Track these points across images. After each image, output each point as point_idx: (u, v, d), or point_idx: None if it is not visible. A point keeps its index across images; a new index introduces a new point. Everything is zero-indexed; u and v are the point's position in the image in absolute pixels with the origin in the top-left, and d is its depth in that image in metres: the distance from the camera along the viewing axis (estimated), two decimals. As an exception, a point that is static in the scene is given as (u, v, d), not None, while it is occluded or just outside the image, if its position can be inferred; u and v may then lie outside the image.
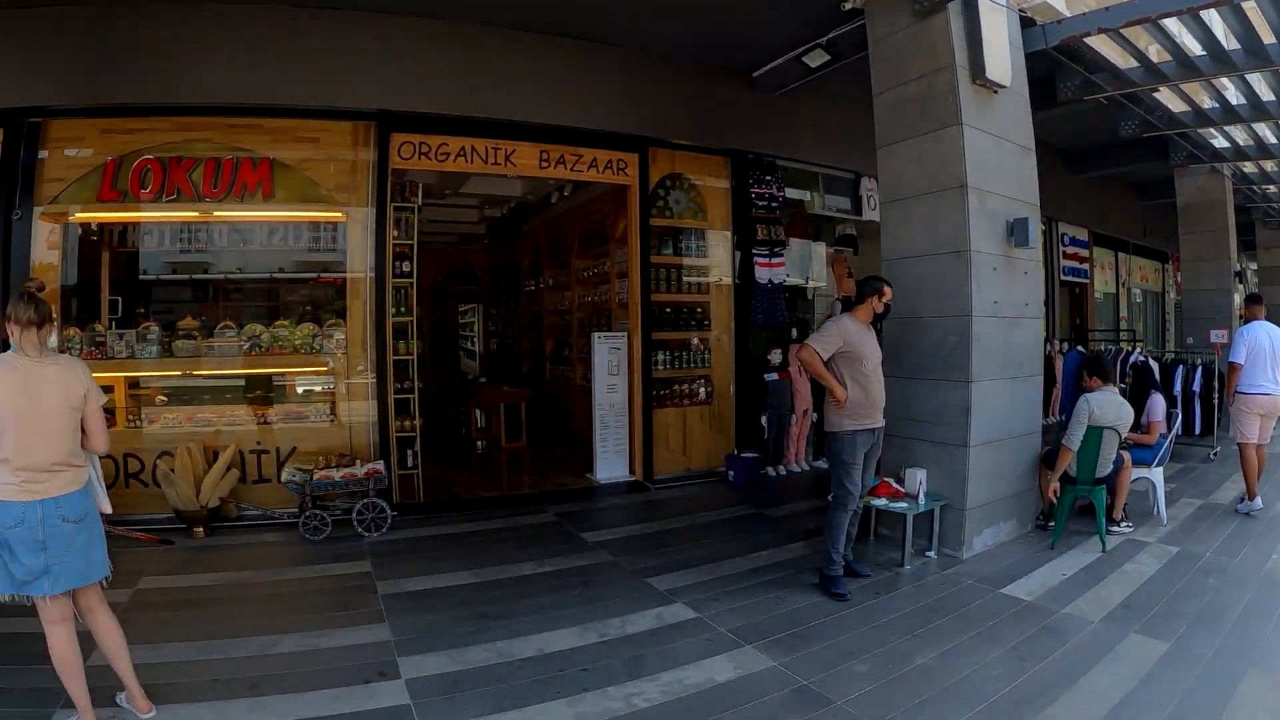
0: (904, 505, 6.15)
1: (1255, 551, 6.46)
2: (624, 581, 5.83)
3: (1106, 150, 13.68)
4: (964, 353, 6.29)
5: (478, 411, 11.73)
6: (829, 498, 5.87)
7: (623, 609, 5.21)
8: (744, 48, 9.05)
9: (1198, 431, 10.65)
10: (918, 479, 6.22)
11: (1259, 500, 7.71)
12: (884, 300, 5.74)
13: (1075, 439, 6.53)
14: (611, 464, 9.37)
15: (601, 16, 8.20)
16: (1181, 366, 10.97)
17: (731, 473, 9.31)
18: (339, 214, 7.94)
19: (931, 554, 6.37)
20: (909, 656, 4.48)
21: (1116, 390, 6.92)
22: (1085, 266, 16.18)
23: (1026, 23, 7.75)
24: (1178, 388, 10.72)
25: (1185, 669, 4.26)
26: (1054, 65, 9.04)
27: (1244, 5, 7.26)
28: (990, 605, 5.31)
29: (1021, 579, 5.82)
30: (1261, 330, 7.93)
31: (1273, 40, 7.88)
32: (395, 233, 8.06)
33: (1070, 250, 15.57)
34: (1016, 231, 6.65)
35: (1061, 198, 14.28)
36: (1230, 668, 4.28)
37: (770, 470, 9.80)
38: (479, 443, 11.58)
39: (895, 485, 6.36)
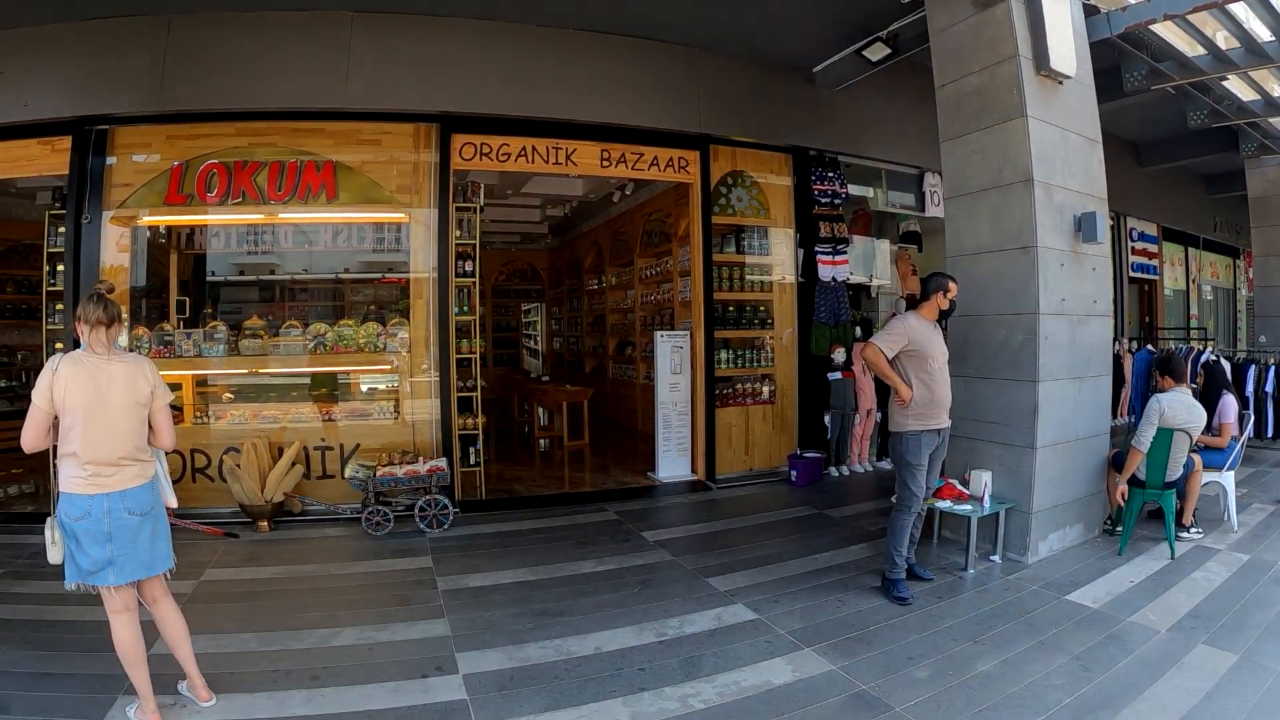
0: (968, 508, 6.05)
1: (1329, 560, 6.24)
2: (683, 581, 5.81)
3: (1174, 142, 13.40)
4: (1030, 351, 6.18)
5: (540, 410, 11.79)
6: (892, 499, 5.81)
7: (681, 609, 5.20)
8: (804, 43, 9.00)
9: (1271, 434, 10.33)
10: (983, 481, 6.12)
11: None
12: (949, 297, 5.64)
13: (1145, 440, 6.38)
14: (673, 463, 9.37)
15: (657, 13, 8.20)
16: (1254, 366, 10.64)
17: (794, 473, 9.23)
18: (401, 215, 8.07)
19: (995, 558, 6.27)
20: (970, 663, 4.42)
21: (1188, 391, 6.74)
22: (1154, 263, 15.80)
23: (1090, 10, 7.57)
24: (1250, 388, 10.41)
25: (1254, 682, 4.14)
26: (1119, 54, 8.82)
27: None
28: (1054, 612, 5.21)
29: (1087, 585, 5.71)
30: None
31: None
32: (457, 233, 8.14)
33: (1139, 246, 15.22)
34: (1084, 226, 6.50)
35: (1129, 191, 13.99)
36: None
37: (833, 470, 9.74)
38: (541, 441, 11.63)
39: (960, 487, 6.25)
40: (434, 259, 7.97)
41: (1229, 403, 7.50)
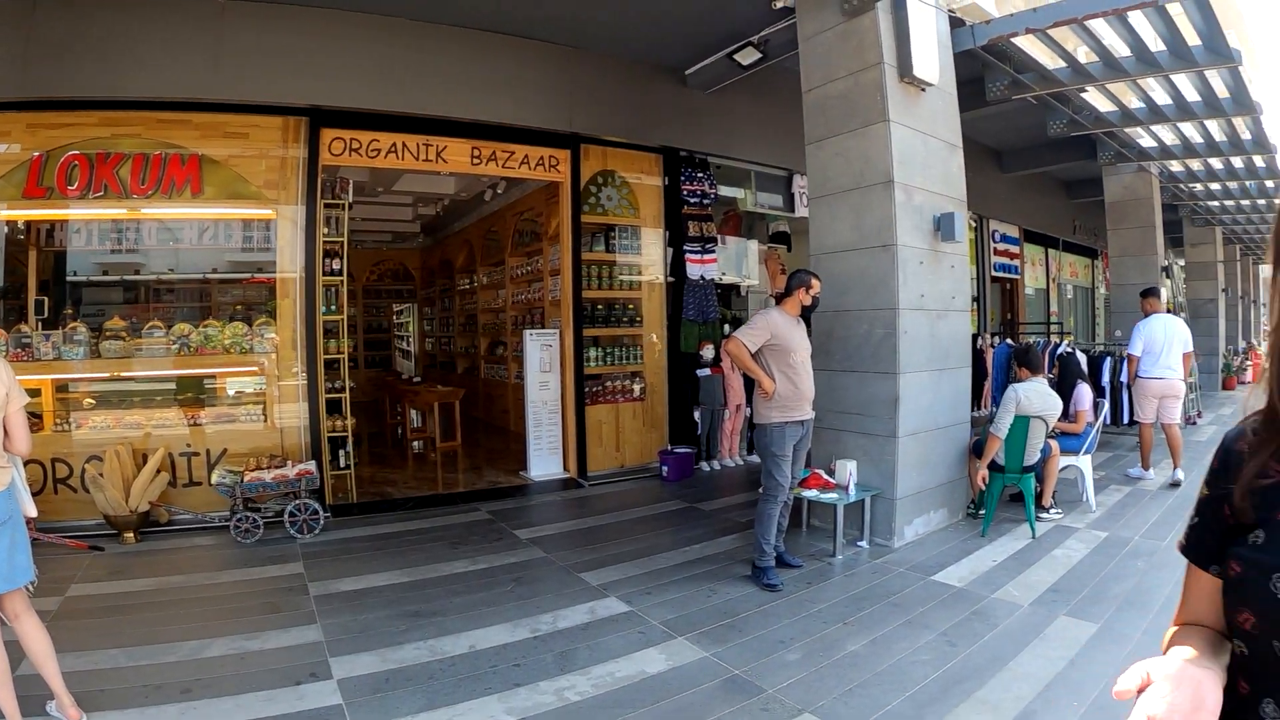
0: (834, 496, 6.23)
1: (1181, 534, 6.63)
2: (556, 577, 5.84)
3: (1036, 149, 14.00)
4: (891, 345, 6.40)
5: (412, 411, 11.67)
6: (760, 490, 5.93)
7: (555, 604, 5.22)
8: (677, 45, 9.11)
9: (1126, 420, 10.86)
10: (848, 470, 6.31)
11: (1151, 472, 8.61)
12: (811, 293, 5.81)
13: (1002, 427, 6.67)
14: (545, 461, 9.37)
15: (532, 11, 8.18)
16: (1109, 358, 11.23)
17: (665, 468, 9.35)
18: (269, 211, 7.83)
19: (863, 544, 6.48)
20: (840, 644, 4.56)
21: (1044, 381, 7.07)
22: (1016, 263, 16.52)
23: (955, 23, 7.87)
24: (1105, 379, 11.00)
25: (1114, 649, 4.37)
26: (983, 65, 9.16)
27: (1169, 8, 7.43)
28: (921, 592, 5.41)
29: (952, 566, 5.95)
30: (1157, 323, 8.69)
31: (1197, 43, 8.09)
32: (326, 230, 7.98)
33: (1001, 247, 15.90)
34: (943, 226, 6.77)
35: (992, 195, 14.59)
36: (1157, 648, 4.40)
37: (704, 465, 9.89)
38: (415, 443, 11.51)
39: (826, 477, 6.43)
40: (301, 257, 7.77)
41: (1083, 391, 7.92)
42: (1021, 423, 6.67)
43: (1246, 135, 11.78)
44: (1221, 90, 9.52)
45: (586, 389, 9.49)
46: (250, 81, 7.44)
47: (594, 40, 8.95)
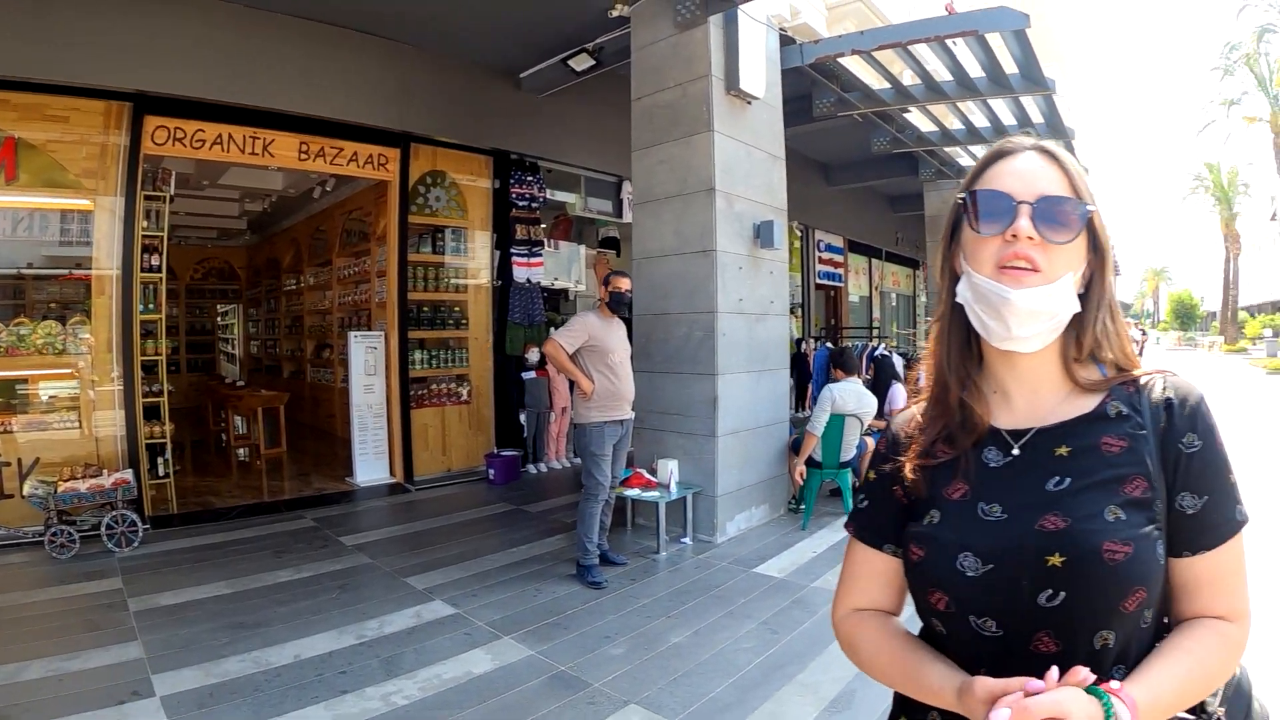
0: (656, 495, 6.41)
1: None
2: (382, 583, 5.78)
3: (862, 164, 14.55)
4: (710, 347, 6.63)
5: (236, 417, 11.21)
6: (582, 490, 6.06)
7: (380, 610, 5.18)
8: (513, 48, 9.11)
9: None
10: (669, 469, 6.50)
11: None
12: (609, 289, 5.94)
13: (817, 425, 6.99)
14: (371, 466, 9.21)
15: (369, 6, 8.03)
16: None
17: (491, 471, 9.33)
18: (86, 202, 7.34)
19: (686, 540, 6.66)
20: (664, 636, 4.69)
21: (859, 382, 7.45)
22: (840, 271, 17.22)
23: (786, 41, 8.18)
24: (922, 380, 11.49)
25: None
26: (812, 82, 9.51)
27: (988, 37, 7.90)
28: (743, 584, 5.62)
29: (773, 559, 6.20)
30: None
31: (1014, 70, 8.60)
32: (145, 224, 7.58)
33: (826, 256, 16.53)
34: (763, 233, 7.06)
35: (819, 207, 15.17)
36: None
37: (531, 468, 9.95)
38: (239, 450, 11.06)
39: (648, 476, 6.62)
40: (119, 252, 7.35)
41: (898, 391, 8.45)
42: (837, 421, 6.98)
43: (1062, 159, 12.60)
44: (1037, 116, 10.18)
45: (412, 392, 9.38)
46: (73, 62, 6.92)
47: (429, 39, 8.85)
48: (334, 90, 8.34)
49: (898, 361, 10.46)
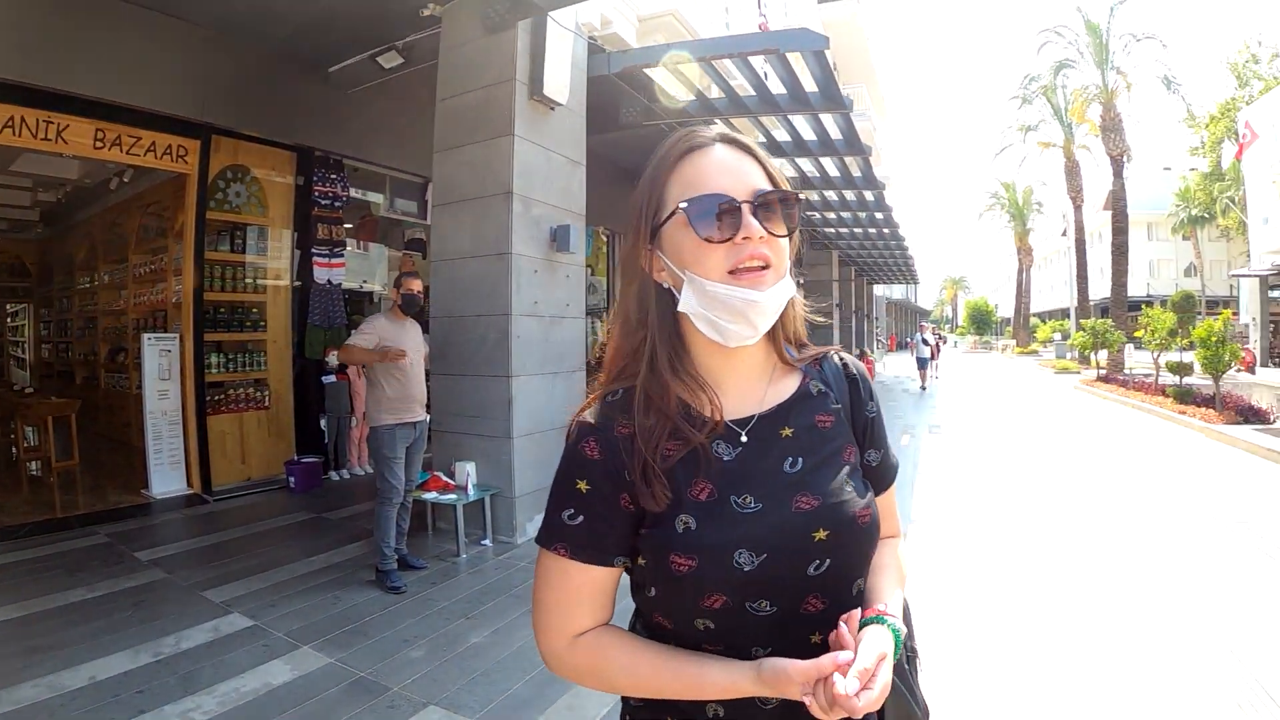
0: (453, 497, 6.41)
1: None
2: (179, 598, 5.54)
3: None
4: (504, 349, 6.66)
5: (26, 427, 10.47)
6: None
7: (177, 626, 4.98)
8: (322, 40, 8.83)
9: None
10: (466, 471, 6.51)
11: None
12: (401, 291, 5.96)
13: None
14: (168, 477, 8.73)
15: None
16: None
17: (292, 479, 9.04)
18: None
19: (487, 542, 6.69)
20: (464, 637, 4.73)
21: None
22: None
23: (596, 49, 8.32)
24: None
25: None
26: (620, 91, 9.67)
27: (789, 56, 8.22)
28: (541, 583, 5.70)
29: (572, 555, 6.30)
30: None
31: (814, 89, 8.98)
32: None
33: None
34: (559, 237, 7.15)
35: (626, 214, 15.23)
36: None
37: (333, 474, 9.70)
38: (31, 462, 10.33)
39: (445, 479, 6.60)
40: None
41: None
42: None
43: (857, 173, 13.32)
44: (835, 133, 10.68)
45: (210, 398, 8.95)
46: None
47: (236, 26, 8.43)
48: (133, 75, 7.82)
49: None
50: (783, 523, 1.16)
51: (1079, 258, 36.38)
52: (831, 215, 17.17)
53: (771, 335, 1.28)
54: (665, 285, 1.25)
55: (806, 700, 1.02)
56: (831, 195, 15.05)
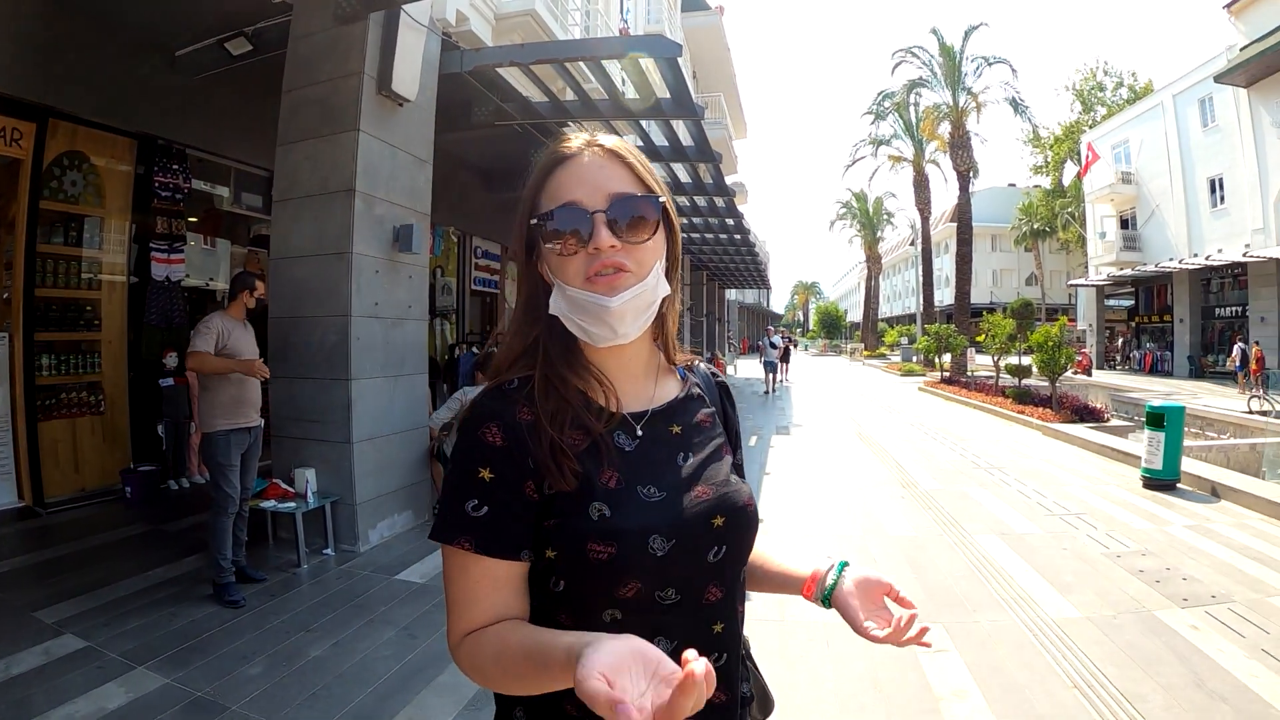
0: (293, 505, 6.21)
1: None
2: (8, 620, 5.15)
3: (521, 174, 14.32)
4: (344, 351, 6.49)
5: None
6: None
7: (7, 650, 4.64)
8: (169, 23, 8.33)
9: None
10: (305, 478, 6.31)
11: None
12: (255, 295, 5.75)
13: (438, 419, 7.26)
14: (-6, 491, 8.05)
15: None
16: None
17: (128, 489, 8.51)
18: None
19: (329, 551, 6.50)
20: (304, 651, 4.58)
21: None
22: (496, 278, 17.33)
23: (450, 46, 8.19)
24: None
25: None
26: (473, 90, 9.51)
27: (642, 62, 8.25)
28: (384, 592, 5.58)
29: (416, 564, 6.21)
30: None
31: (666, 95, 9.03)
32: None
33: (483, 263, 16.62)
34: (401, 237, 7.00)
35: (478, 214, 15.22)
36: None
37: (172, 483, 9.16)
38: None
39: (285, 486, 6.39)
40: None
41: None
42: None
43: (709, 179, 13.52)
44: (687, 139, 10.79)
45: (40, 402, 8.26)
46: None
47: (79, 4, 7.79)
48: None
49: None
50: (685, 510, 1.21)
51: (925, 266, 38.29)
52: (683, 221, 17.36)
53: (656, 336, 1.35)
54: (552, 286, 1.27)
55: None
56: (683, 201, 15.20)
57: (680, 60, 8.25)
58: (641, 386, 1.33)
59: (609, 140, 1.27)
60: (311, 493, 6.32)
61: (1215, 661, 4.52)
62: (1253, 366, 25.04)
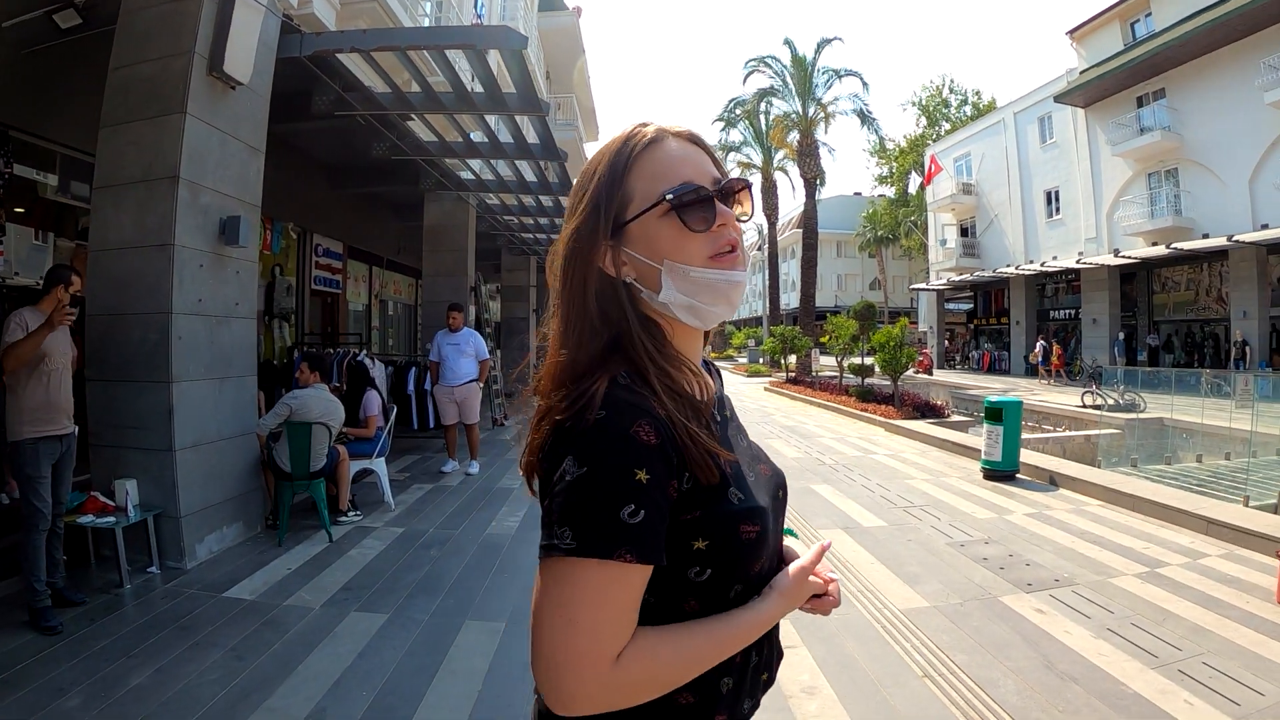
0: (112, 520, 5.72)
1: (475, 522, 7.55)
2: None
3: (366, 170, 14.16)
4: (164, 352, 6.06)
5: None
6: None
7: None
8: None
9: (432, 425, 11.97)
10: (125, 490, 5.84)
11: (453, 463, 10.03)
12: (71, 290, 5.25)
13: (265, 425, 6.97)
14: None
15: None
16: (415, 368, 12.48)
17: (-64, 508, 7.69)
18: None
19: (154, 569, 6.04)
20: (124, 679, 4.23)
21: (325, 388, 7.39)
22: (339, 277, 16.81)
23: (292, 29, 7.77)
24: (411, 387, 12.23)
25: (404, 634, 4.81)
26: (314, 78, 9.05)
27: (487, 55, 8.00)
28: (211, 611, 5.24)
29: (245, 580, 5.87)
30: (460, 335, 9.97)
31: (511, 90, 8.87)
32: None
33: (324, 261, 16.04)
34: (228, 229, 6.59)
35: (320, 210, 14.74)
36: (447, 624, 4.98)
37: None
38: None
39: (104, 499, 5.88)
40: None
41: (372, 397, 8.54)
42: (303, 430, 6.85)
43: (554, 179, 13.37)
44: (532, 136, 10.61)
45: None
46: None
47: None
48: None
49: (376, 367, 11.04)
50: (772, 486, 1.33)
51: (772, 271, 39.31)
52: (529, 221, 17.18)
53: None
54: (629, 280, 1.22)
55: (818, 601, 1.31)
56: (529, 201, 14.99)
57: (532, 58, 8.06)
58: (701, 374, 1.32)
59: (679, 126, 1.28)
60: (133, 505, 5.83)
61: (1063, 643, 4.74)
62: (1054, 362, 30.51)
